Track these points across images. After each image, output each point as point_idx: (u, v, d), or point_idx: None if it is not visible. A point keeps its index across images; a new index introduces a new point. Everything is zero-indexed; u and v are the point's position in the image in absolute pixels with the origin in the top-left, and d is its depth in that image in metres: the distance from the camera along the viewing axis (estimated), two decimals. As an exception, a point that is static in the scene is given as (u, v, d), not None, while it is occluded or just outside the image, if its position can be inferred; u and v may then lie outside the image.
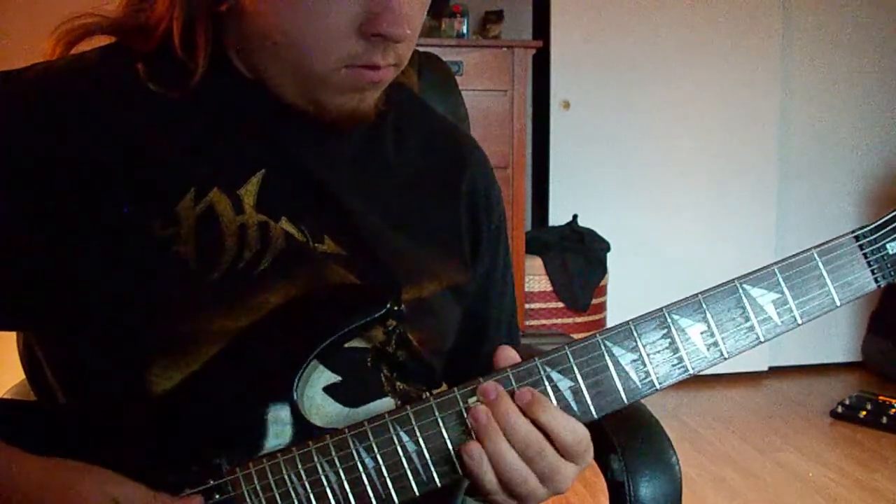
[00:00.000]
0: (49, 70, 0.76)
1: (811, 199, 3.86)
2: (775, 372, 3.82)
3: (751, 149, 3.74)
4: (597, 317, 3.31)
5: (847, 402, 3.30)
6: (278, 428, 0.70)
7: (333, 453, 0.68)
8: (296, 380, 0.71)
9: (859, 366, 3.92)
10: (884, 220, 0.73)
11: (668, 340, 0.71)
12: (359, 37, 0.71)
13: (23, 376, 0.90)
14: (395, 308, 0.76)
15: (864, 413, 3.21)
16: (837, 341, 3.91)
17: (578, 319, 3.24)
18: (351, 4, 0.70)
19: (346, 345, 0.75)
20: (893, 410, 3.16)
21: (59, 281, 0.72)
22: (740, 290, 0.71)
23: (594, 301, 3.28)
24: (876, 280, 0.73)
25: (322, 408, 0.74)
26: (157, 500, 0.66)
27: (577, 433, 0.68)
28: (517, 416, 0.67)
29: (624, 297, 3.44)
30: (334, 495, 0.68)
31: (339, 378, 0.75)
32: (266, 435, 0.70)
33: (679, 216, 3.72)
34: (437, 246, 0.85)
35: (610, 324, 3.54)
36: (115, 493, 0.65)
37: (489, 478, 0.67)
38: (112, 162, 0.72)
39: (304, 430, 0.71)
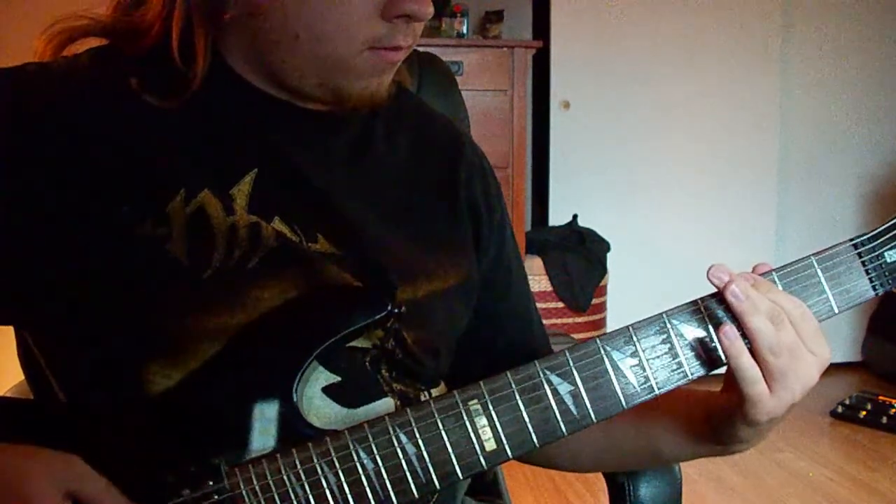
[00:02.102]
0: (42, 71, 0.76)
1: (811, 200, 3.86)
2: (775, 372, 3.82)
3: (751, 149, 3.74)
4: (597, 317, 3.31)
5: (847, 402, 3.30)
6: (263, 426, 0.70)
7: (333, 455, 0.68)
8: (296, 380, 0.71)
9: (859, 366, 3.92)
10: (882, 228, 0.73)
11: (668, 346, 0.71)
12: (382, 19, 0.72)
13: (23, 376, 0.90)
14: (396, 310, 0.76)
15: (864, 413, 3.21)
16: (837, 341, 3.91)
17: (578, 319, 3.25)
18: None
19: (346, 345, 0.75)
20: (893, 410, 3.16)
21: (54, 280, 0.72)
22: None
23: (594, 301, 3.28)
24: (874, 288, 0.73)
25: (321, 409, 0.74)
26: (115, 496, 0.65)
27: (803, 308, 0.70)
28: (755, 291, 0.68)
29: (624, 297, 3.44)
30: (333, 497, 0.68)
31: (339, 378, 0.75)
32: (251, 432, 0.70)
33: (679, 216, 3.72)
34: (435, 244, 0.85)
35: (610, 323, 3.55)
36: (69, 484, 0.64)
37: (745, 359, 0.68)
38: (103, 163, 0.72)
39: (292, 428, 0.71)
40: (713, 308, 0.71)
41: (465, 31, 3.23)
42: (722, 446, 0.78)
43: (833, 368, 3.44)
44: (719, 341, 0.68)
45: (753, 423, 0.71)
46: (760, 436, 0.75)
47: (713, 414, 0.76)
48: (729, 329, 0.68)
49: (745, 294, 0.68)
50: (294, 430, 0.71)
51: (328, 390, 0.75)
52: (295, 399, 0.71)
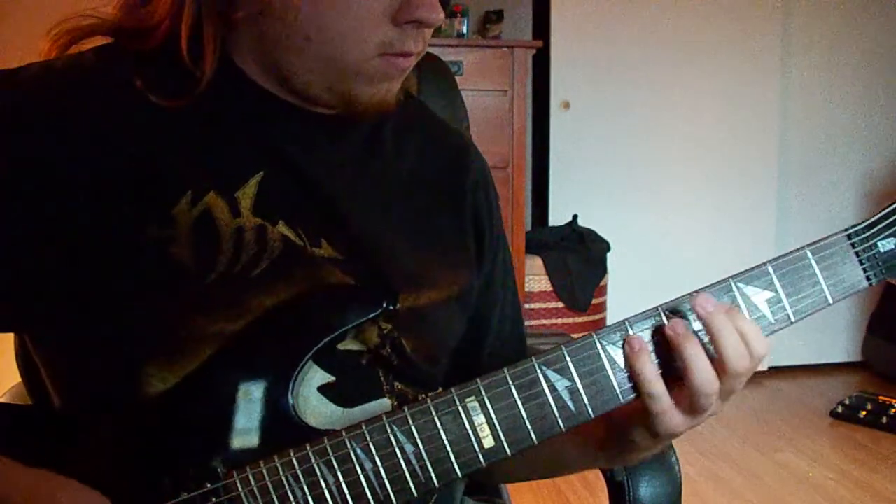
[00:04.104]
0: (46, 70, 0.75)
1: (811, 199, 3.86)
2: (775, 372, 3.82)
3: (751, 149, 3.74)
4: (597, 317, 3.31)
5: (847, 402, 3.30)
6: (259, 424, 0.70)
7: (331, 455, 0.68)
8: (292, 381, 0.71)
9: (859, 366, 3.91)
10: (875, 218, 0.73)
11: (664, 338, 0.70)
12: (392, 24, 0.72)
13: (19, 379, 0.90)
14: (391, 308, 0.75)
15: (864, 413, 3.21)
16: (837, 341, 3.91)
17: (578, 319, 3.24)
18: None
19: (341, 347, 0.75)
20: (893, 410, 3.16)
21: (55, 282, 0.71)
22: (734, 289, 0.71)
23: (594, 301, 3.28)
24: (867, 278, 0.73)
25: (317, 408, 0.74)
26: None
27: (766, 346, 0.69)
28: (730, 331, 0.68)
29: (624, 297, 3.44)
30: (332, 498, 0.68)
31: (333, 378, 0.75)
32: (245, 432, 0.70)
33: (679, 216, 3.72)
34: (439, 253, 0.85)
35: (609, 323, 3.55)
36: None
37: (648, 373, 0.68)
38: (108, 164, 0.71)
39: (288, 428, 0.71)
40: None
41: (465, 31, 3.22)
42: (620, 453, 0.78)
43: (833, 368, 3.43)
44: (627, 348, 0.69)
45: (653, 434, 0.72)
46: (659, 445, 0.76)
47: (615, 418, 0.75)
48: (635, 340, 0.69)
49: (708, 320, 0.68)
50: (290, 430, 0.70)
51: (324, 390, 0.74)
52: (291, 400, 0.71)
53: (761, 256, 0.75)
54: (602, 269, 3.34)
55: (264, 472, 0.68)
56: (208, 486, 0.68)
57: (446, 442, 0.68)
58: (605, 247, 3.39)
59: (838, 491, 2.68)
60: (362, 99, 0.76)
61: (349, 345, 0.76)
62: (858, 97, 3.86)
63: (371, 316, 0.74)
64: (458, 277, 0.85)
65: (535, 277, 3.18)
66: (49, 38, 0.77)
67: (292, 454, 0.68)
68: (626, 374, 0.70)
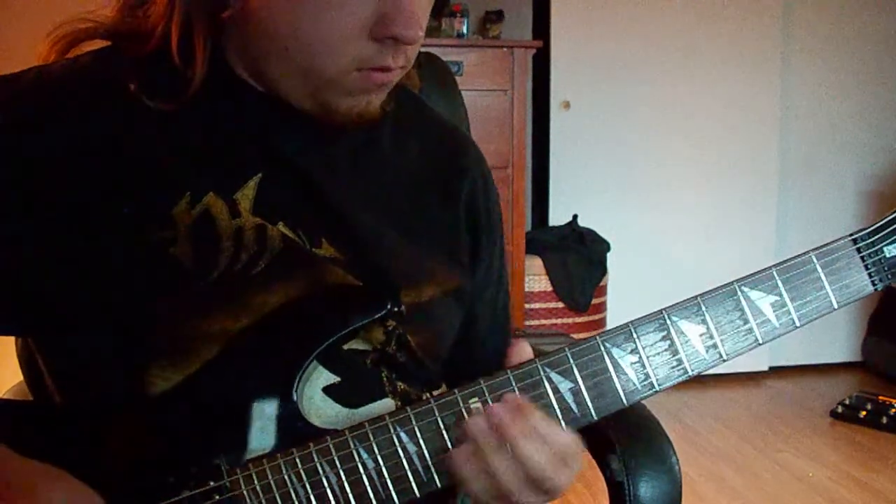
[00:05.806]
0: (44, 74, 0.76)
1: (811, 199, 3.86)
2: (775, 372, 3.82)
3: (751, 149, 3.74)
4: (597, 317, 3.31)
5: (847, 402, 3.30)
6: (262, 425, 0.70)
7: (334, 454, 0.69)
8: (296, 381, 0.71)
9: (859, 366, 3.92)
10: (881, 223, 0.74)
11: (668, 342, 0.71)
12: (370, 39, 0.71)
13: (20, 378, 0.90)
14: (395, 309, 0.76)
15: (864, 413, 3.21)
16: (837, 341, 3.91)
17: (578, 319, 3.24)
18: (362, 7, 0.70)
19: (346, 346, 0.75)
20: (893, 410, 3.16)
21: (57, 285, 0.72)
22: (739, 293, 0.72)
23: (594, 301, 3.28)
24: (873, 283, 0.73)
25: (322, 409, 0.74)
26: None
27: (568, 445, 0.68)
28: (524, 439, 0.66)
29: (624, 297, 3.44)
30: (335, 496, 0.68)
31: (338, 378, 0.75)
32: (250, 432, 0.70)
33: (679, 216, 3.72)
34: (437, 249, 0.85)
35: (610, 324, 3.56)
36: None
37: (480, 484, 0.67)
38: (105, 167, 0.72)
39: (291, 428, 0.71)
40: (713, 305, 0.71)
41: (464, 31, 3.22)
42: None
43: (833, 368, 3.43)
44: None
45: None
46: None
47: None
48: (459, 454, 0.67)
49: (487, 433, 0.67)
50: (294, 430, 0.71)
51: (328, 390, 0.75)
52: (295, 399, 0.71)
53: (761, 256, 0.75)
54: (602, 269, 3.34)
55: (267, 470, 0.68)
56: (211, 483, 0.68)
57: (449, 442, 0.69)
58: (605, 247, 3.39)
59: (838, 491, 2.68)
60: (342, 110, 0.76)
61: (354, 344, 0.76)
62: (859, 97, 3.86)
63: (376, 317, 0.74)
64: (454, 273, 0.85)
65: (535, 277, 3.18)
66: (48, 42, 0.77)
67: (295, 453, 0.69)
68: (631, 378, 0.70)
